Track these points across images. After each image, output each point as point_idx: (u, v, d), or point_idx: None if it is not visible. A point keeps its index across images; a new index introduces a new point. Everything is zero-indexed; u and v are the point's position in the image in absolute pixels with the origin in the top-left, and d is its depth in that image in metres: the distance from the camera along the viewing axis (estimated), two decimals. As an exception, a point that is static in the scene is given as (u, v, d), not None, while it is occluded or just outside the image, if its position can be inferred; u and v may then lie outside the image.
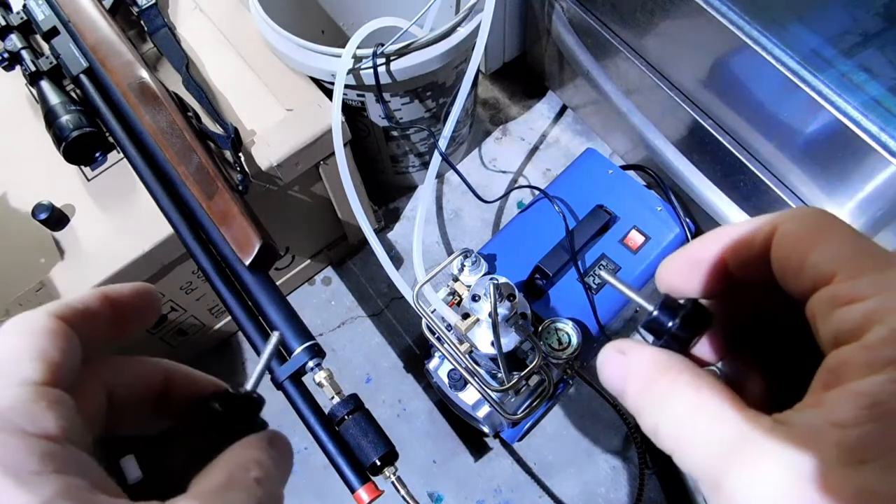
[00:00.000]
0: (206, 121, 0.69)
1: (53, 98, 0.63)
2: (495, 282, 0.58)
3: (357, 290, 0.98)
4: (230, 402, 0.20)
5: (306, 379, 0.51)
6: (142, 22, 0.75)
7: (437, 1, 0.75)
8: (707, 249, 0.19)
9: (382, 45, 0.71)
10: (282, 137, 0.71)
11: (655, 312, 0.20)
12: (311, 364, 0.50)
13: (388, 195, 1.05)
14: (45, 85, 0.65)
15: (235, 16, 0.81)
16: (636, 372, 0.18)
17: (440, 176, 1.06)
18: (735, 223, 0.19)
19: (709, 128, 0.74)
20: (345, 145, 0.72)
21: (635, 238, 0.74)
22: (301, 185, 0.78)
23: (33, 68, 0.65)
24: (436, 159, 0.75)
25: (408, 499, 0.46)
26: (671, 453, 0.16)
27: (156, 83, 0.61)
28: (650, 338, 0.21)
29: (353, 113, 0.83)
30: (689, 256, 0.19)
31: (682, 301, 0.20)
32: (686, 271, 0.19)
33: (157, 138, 0.58)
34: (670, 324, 0.19)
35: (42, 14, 0.66)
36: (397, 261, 1.00)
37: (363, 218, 0.70)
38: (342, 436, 0.46)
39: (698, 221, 0.87)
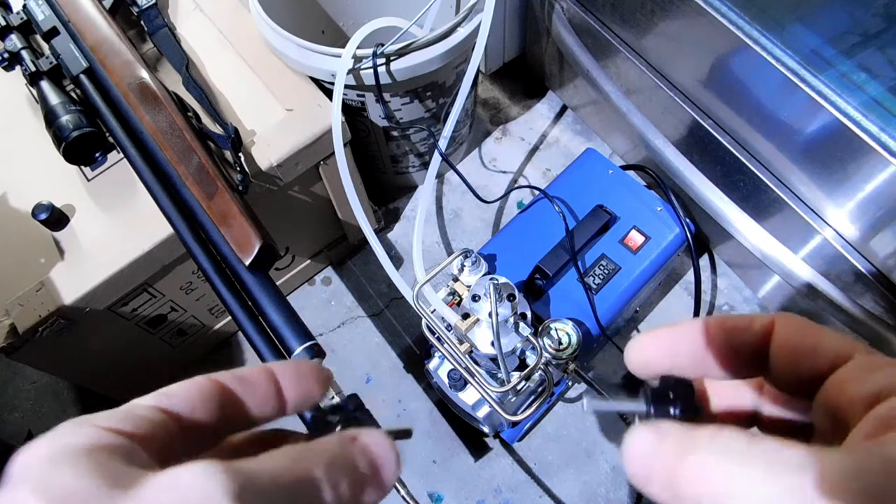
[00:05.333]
0: (206, 121, 0.69)
1: (53, 98, 0.63)
2: (495, 282, 0.58)
3: (357, 290, 0.98)
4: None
5: (306, 379, 0.51)
6: (142, 22, 0.75)
7: (437, 1, 0.75)
8: (686, 331, 0.20)
9: (382, 45, 0.71)
10: (282, 137, 0.71)
11: (652, 410, 0.20)
12: (311, 364, 0.50)
13: (388, 195, 1.05)
14: (45, 85, 0.65)
15: (235, 16, 0.81)
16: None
17: (440, 176, 1.06)
18: (704, 319, 0.21)
19: (709, 128, 0.74)
20: (345, 145, 0.72)
21: (635, 238, 0.74)
22: (301, 185, 0.78)
23: (33, 68, 0.65)
24: (436, 159, 0.75)
25: (408, 499, 0.46)
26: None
27: (156, 83, 0.61)
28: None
29: (353, 113, 0.83)
30: (670, 333, 0.21)
31: (668, 388, 0.20)
32: (665, 347, 0.21)
33: (157, 138, 0.58)
34: (672, 412, 0.20)
35: (42, 14, 0.66)
36: (397, 261, 1.00)
37: (363, 218, 0.70)
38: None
39: (698, 221, 0.87)
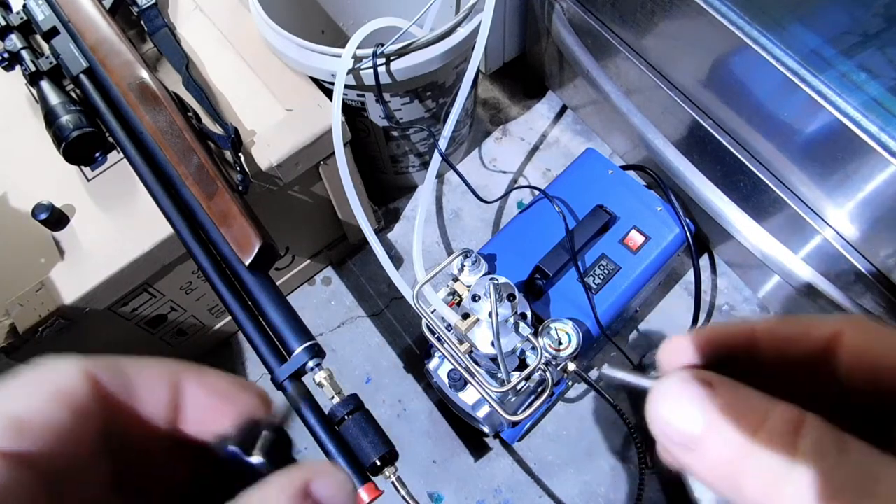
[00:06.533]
0: (206, 121, 0.69)
1: (53, 98, 0.63)
2: (495, 282, 0.58)
3: (357, 290, 0.98)
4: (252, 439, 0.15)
5: (306, 379, 0.51)
6: (142, 22, 0.75)
7: (437, 1, 0.75)
8: (727, 334, 0.17)
9: (382, 45, 0.71)
10: (282, 137, 0.71)
11: None
12: (311, 364, 0.50)
13: (388, 195, 1.05)
14: (45, 85, 0.65)
15: (235, 16, 0.81)
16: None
17: (440, 176, 1.06)
18: (748, 322, 0.18)
19: (709, 128, 0.74)
20: (345, 145, 0.72)
21: (635, 238, 0.74)
22: (301, 185, 0.78)
23: (33, 68, 0.65)
24: (436, 159, 0.75)
25: (408, 499, 0.46)
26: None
27: (156, 83, 0.61)
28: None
29: (353, 113, 0.83)
30: (708, 334, 0.18)
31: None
32: (702, 350, 0.18)
33: (157, 138, 0.58)
34: None
35: (42, 14, 0.66)
36: (397, 261, 1.00)
37: (363, 218, 0.70)
38: (342, 436, 0.46)
39: (698, 221, 0.87)
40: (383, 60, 0.72)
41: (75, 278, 0.65)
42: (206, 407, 0.15)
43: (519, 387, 0.64)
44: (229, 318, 0.83)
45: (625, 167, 0.83)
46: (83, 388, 0.12)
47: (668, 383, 0.15)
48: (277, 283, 0.55)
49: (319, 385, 0.49)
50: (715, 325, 0.18)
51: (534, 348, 0.61)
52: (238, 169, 0.66)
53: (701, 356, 0.17)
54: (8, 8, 0.71)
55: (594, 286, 0.72)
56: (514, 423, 0.68)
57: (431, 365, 0.74)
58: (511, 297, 0.59)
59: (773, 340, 0.17)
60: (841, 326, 0.16)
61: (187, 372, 0.15)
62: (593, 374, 0.88)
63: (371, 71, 0.72)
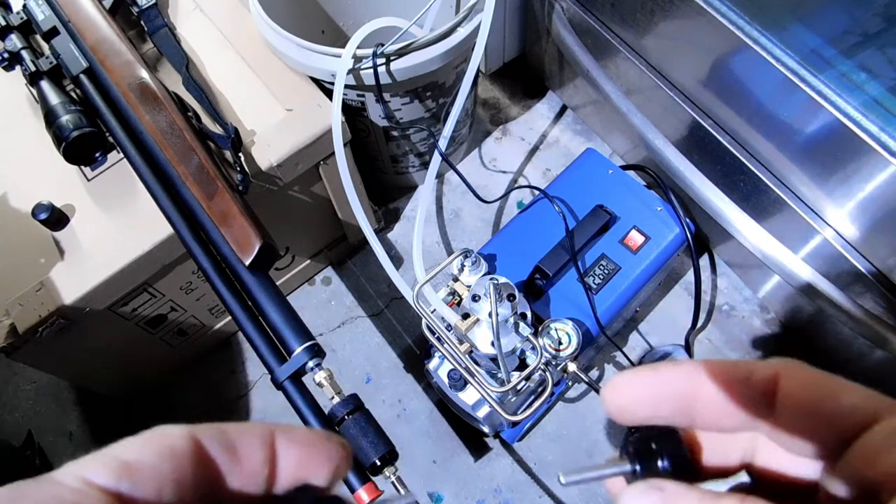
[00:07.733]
0: (206, 121, 0.69)
1: (53, 98, 0.63)
2: (495, 282, 0.58)
3: (357, 290, 0.98)
4: None
5: (306, 379, 0.51)
6: (142, 22, 0.76)
7: (437, 1, 0.75)
8: (670, 377, 0.18)
9: (382, 45, 0.71)
10: (282, 137, 0.71)
11: (638, 468, 0.18)
12: (311, 364, 0.50)
13: (388, 195, 1.05)
14: (45, 85, 0.65)
15: (235, 16, 0.81)
16: None
17: (440, 176, 1.06)
18: (692, 363, 0.18)
19: (709, 128, 0.74)
20: (345, 145, 0.72)
21: (635, 238, 0.74)
22: (301, 185, 0.78)
23: (33, 68, 0.65)
24: (436, 159, 0.75)
25: (408, 499, 0.46)
26: None
27: (156, 83, 0.61)
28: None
29: (353, 113, 0.83)
30: (652, 376, 0.18)
31: (650, 440, 0.18)
32: (645, 393, 0.18)
33: (157, 138, 0.58)
34: (661, 465, 0.18)
35: (42, 14, 0.66)
36: (397, 261, 1.00)
37: (363, 218, 0.70)
38: (342, 436, 0.46)
39: (698, 221, 0.87)
40: (383, 60, 0.72)
41: (75, 278, 0.65)
42: (298, 457, 0.16)
43: (519, 387, 0.64)
44: (229, 318, 0.83)
45: (625, 167, 0.83)
46: (185, 445, 0.15)
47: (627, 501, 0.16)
48: (277, 283, 0.55)
49: (319, 385, 0.49)
50: (662, 365, 0.18)
51: (534, 348, 0.61)
52: (238, 169, 0.66)
53: (641, 401, 0.18)
54: (8, 8, 0.71)
55: (594, 286, 0.72)
56: (514, 423, 0.68)
57: (431, 365, 0.74)
58: (511, 297, 0.59)
59: (714, 380, 0.17)
60: (778, 369, 0.17)
61: (278, 428, 0.17)
62: (593, 373, 0.88)
63: (371, 71, 0.72)
